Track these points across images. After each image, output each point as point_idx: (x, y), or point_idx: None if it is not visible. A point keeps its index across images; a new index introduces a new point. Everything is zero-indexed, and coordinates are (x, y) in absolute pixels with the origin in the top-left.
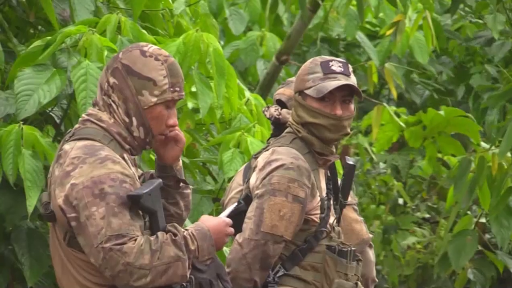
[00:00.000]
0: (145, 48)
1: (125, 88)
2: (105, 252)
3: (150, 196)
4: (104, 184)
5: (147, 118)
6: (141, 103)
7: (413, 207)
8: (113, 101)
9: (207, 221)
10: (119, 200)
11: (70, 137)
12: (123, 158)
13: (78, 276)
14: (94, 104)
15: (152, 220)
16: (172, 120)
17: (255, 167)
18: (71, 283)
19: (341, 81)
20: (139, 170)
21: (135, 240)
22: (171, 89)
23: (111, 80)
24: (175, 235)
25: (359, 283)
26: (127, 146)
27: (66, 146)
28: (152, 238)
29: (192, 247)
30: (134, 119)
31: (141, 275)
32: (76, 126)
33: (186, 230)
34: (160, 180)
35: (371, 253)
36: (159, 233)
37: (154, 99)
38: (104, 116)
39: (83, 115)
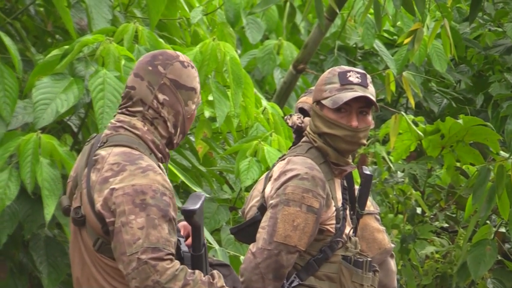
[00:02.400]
0: (181, 59)
1: (176, 103)
2: (139, 263)
3: (199, 211)
4: (146, 194)
5: (186, 125)
6: (186, 113)
7: (432, 216)
8: (161, 116)
9: None
10: (160, 213)
11: (104, 143)
12: (160, 168)
13: (103, 282)
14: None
15: (195, 235)
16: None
17: (271, 176)
18: None
19: (358, 92)
20: None
21: (171, 260)
22: (198, 93)
23: (161, 97)
24: (213, 278)
25: None
26: (159, 155)
27: (102, 152)
28: (189, 270)
29: None
30: (178, 129)
31: None
32: (107, 132)
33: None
34: (205, 195)
35: (392, 263)
36: (197, 271)
37: (194, 106)
38: (138, 123)
39: (114, 121)
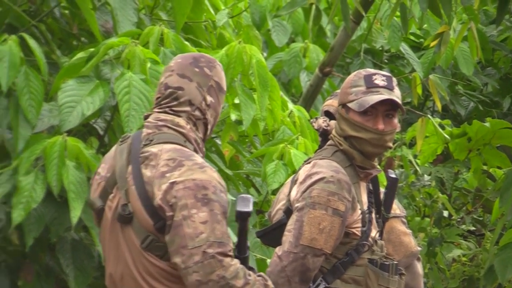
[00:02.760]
0: (216, 60)
1: (218, 106)
2: (204, 256)
3: None
4: (207, 190)
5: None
6: (219, 112)
7: (458, 219)
8: (205, 118)
9: None
10: (221, 209)
11: (151, 140)
12: None
13: (142, 282)
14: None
15: (244, 237)
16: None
17: (296, 179)
18: None
19: (384, 95)
20: None
21: (232, 257)
22: None
23: (209, 98)
24: (266, 280)
25: None
26: (200, 154)
27: (153, 149)
28: (246, 270)
29: None
30: (209, 126)
31: None
32: (148, 131)
33: None
34: (252, 197)
35: (419, 266)
36: (251, 272)
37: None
38: (182, 121)
39: (153, 120)
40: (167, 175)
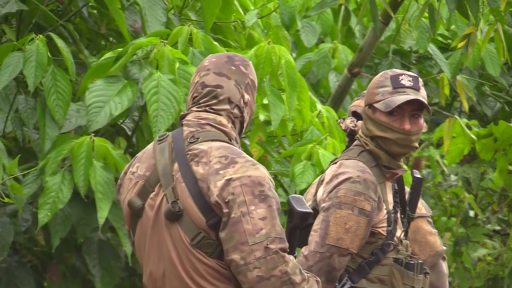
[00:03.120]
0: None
1: (253, 104)
2: (267, 252)
3: None
4: (264, 186)
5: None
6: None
7: (484, 219)
8: (243, 116)
9: None
10: (277, 205)
11: (197, 138)
12: None
13: (188, 280)
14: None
15: (295, 237)
16: None
17: (323, 180)
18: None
19: (410, 95)
20: None
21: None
22: None
23: (246, 96)
24: (316, 277)
25: None
26: None
27: (202, 147)
28: (300, 267)
29: None
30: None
31: None
32: (191, 129)
33: None
34: (302, 196)
35: (444, 266)
36: (302, 270)
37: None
38: (224, 120)
39: (194, 118)
40: (221, 172)
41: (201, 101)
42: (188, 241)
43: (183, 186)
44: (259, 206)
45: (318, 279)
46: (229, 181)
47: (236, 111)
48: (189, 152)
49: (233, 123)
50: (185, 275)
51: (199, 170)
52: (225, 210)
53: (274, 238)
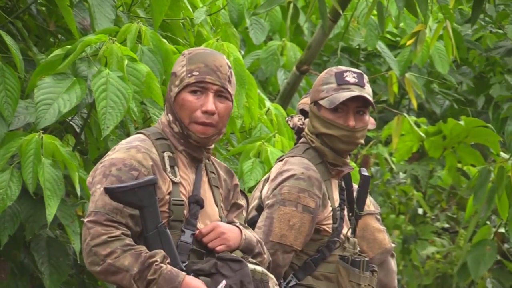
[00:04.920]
0: (185, 51)
1: (168, 92)
2: (83, 227)
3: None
4: (114, 166)
5: (176, 110)
6: (171, 98)
7: (433, 217)
8: (166, 106)
9: (190, 280)
10: (117, 183)
11: None
12: (162, 156)
13: None
14: None
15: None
16: (205, 106)
17: (268, 177)
18: None
19: (355, 92)
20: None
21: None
22: (189, 74)
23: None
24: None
25: None
26: (181, 147)
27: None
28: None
29: (150, 277)
30: (169, 115)
31: None
32: None
33: (167, 264)
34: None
35: (393, 263)
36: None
37: (176, 89)
38: (163, 118)
39: None
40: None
41: None
42: None
43: None
44: (104, 184)
45: (144, 253)
46: (99, 164)
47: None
48: None
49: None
50: None
51: None
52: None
53: (91, 211)
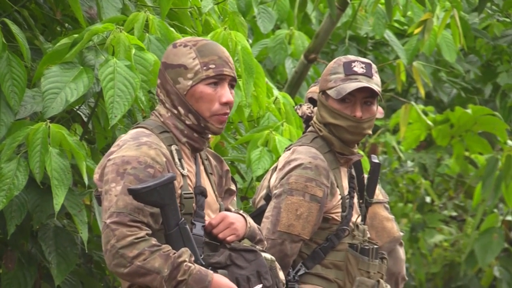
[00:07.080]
0: (176, 41)
1: (165, 83)
2: (104, 227)
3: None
4: (129, 164)
5: (190, 103)
6: (180, 91)
7: (441, 205)
8: (161, 99)
9: (219, 278)
10: (136, 182)
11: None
12: (170, 150)
13: None
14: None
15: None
16: (225, 98)
17: (276, 166)
18: None
19: (362, 83)
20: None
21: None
22: (204, 67)
23: (158, 81)
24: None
25: (381, 280)
26: (184, 139)
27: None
28: None
29: (180, 278)
30: (180, 108)
31: None
32: None
33: (194, 263)
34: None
35: (401, 251)
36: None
37: (189, 82)
38: (163, 110)
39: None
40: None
41: None
42: None
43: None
44: (120, 183)
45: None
46: (108, 161)
47: (158, 96)
48: None
49: (166, 108)
50: None
51: None
52: (100, 189)
53: (113, 212)
